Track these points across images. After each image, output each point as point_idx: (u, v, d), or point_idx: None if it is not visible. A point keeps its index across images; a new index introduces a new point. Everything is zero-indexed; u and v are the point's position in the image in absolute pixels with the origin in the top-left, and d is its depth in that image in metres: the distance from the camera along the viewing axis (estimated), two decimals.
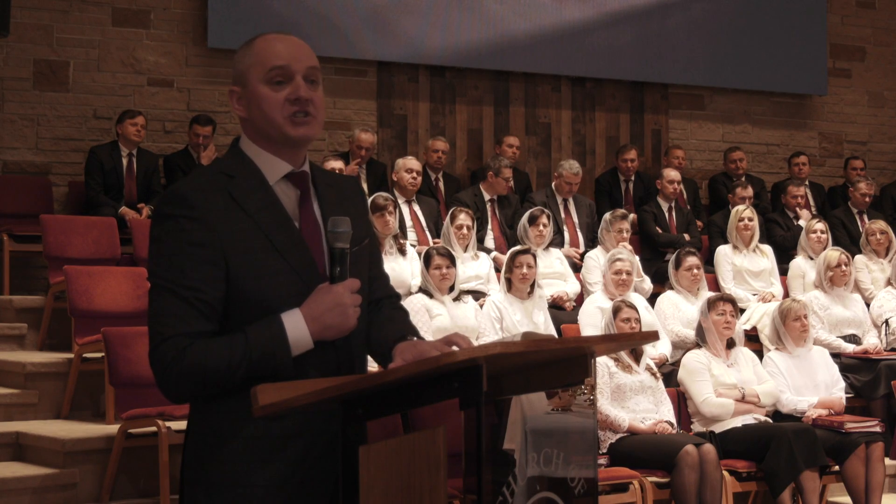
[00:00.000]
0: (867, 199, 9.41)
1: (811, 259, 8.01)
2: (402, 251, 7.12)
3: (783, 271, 8.23)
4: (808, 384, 6.38)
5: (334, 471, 2.23)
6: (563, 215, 8.53)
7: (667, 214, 8.97)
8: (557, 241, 8.18)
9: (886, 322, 7.54)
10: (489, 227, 8.32)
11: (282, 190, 2.31)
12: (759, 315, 7.48)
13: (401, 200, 7.90)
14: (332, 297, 2.21)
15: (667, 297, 7.25)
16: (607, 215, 7.90)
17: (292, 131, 2.28)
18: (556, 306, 7.25)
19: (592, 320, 6.78)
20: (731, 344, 6.28)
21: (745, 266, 8.05)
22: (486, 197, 8.41)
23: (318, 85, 2.33)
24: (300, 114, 2.28)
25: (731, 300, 6.34)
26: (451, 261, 6.49)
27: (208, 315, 2.19)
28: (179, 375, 2.17)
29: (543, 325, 6.70)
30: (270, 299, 2.21)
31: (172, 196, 2.25)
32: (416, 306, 6.21)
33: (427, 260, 6.46)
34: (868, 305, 7.70)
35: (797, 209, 9.29)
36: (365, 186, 8.65)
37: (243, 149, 2.34)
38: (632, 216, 8.56)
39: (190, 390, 2.20)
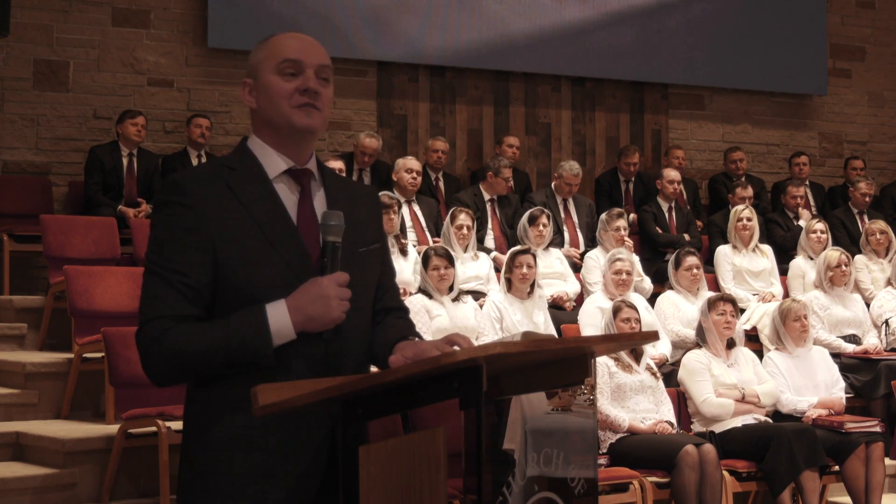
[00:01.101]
0: (867, 199, 9.41)
1: (811, 259, 8.01)
2: (404, 252, 7.11)
3: (783, 271, 8.23)
4: (808, 384, 6.38)
5: (320, 465, 2.25)
6: (562, 215, 8.53)
7: (667, 214, 8.97)
8: (557, 241, 8.17)
9: (886, 322, 7.54)
10: (489, 227, 8.32)
11: (282, 185, 2.35)
12: (759, 315, 7.48)
13: (401, 200, 7.89)
14: (316, 289, 2.22)
15: (667, 297, 7.25)
16: (604, 215, 7.90)
17: (298, 121, 2.32)
18: (556, 306, 7.24)
19: (592, 320, 6.78)
20: (731, 344, 6.28)
21: (745, 266, 8.05)
22: (486, 197, 8.41)
23: (328, 83, 2.38)
24: (308, 105, 2.33)
25: (732, 300, 6.34)
26: (450, 261, 6.49)
27: (192, 299, 2.23)
28: (159, 356, 2.21)
29: (543, 325, 6.69)
30: (258, 289, 2.24)
31: (169, 184, 2.31)
32: (415, 307, 6.21)
33: (425, 260, 6.46)
34: (868, 305, 7.69)
35: (797, 209, 9.29)
36: None
37: (249, 146, 2.39)
38: (632, 216, 8.56)
39: (170, 372, 2.24)
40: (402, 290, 6.69)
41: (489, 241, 8.25)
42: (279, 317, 2.21)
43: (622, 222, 7.79)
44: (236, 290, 2.24)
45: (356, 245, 2.36)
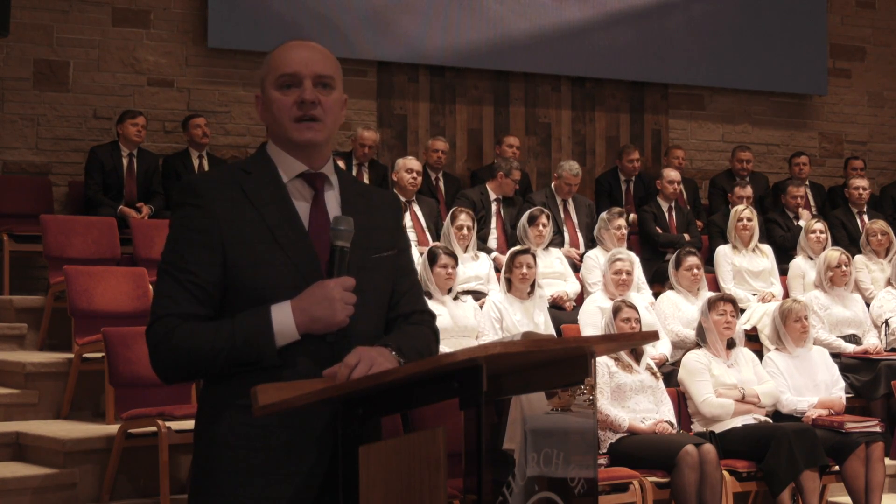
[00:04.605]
0: (861, 193, 9.37)
1: (811, 259, 8.01)
2: None
3: (783, 271, 8.23)
4: (808, 384, 6.38)
5: (324, 464, 2.25)
6: (562, 215, 8.53)
7: (667, 214, 8.97)
8: (557, 241, 8.17)
9: (886, 322, 7.54)
10: (492, 226, 8.33)
11: (296, 188, 2.38)
12: (759, 315, 7.48)
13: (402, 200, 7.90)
14: (321, 291, 2.25)
15: (667, 297, 7.25)
16: (604, 214, 7.90)
17: (297, 136, 2.36)
18: (556, 306, 7.24)
19: (592, 320, 6.78)
20: (731, 344, 6.28)
21: (745, 266, 8.05)
22: (493, 196, 8.42)
23: (331, 90, 2.38)
24: (305, 118, 2.34)
25: (732, 300, 6.34)
26: (456, 261, 6.51)
27: (201, 298, 2.26)
28: (166, 353, 2.26)
29: (543, 325, 6.69)
30: (265, 289, 2.26)
31: (183, 185, 2.36)
32: None
33: (433, 258, 6.44)
34: (868, 305, 7.69)
35: (797, 209, 9.29)
36: None
37: (267, 151, 2.43)
38: (632, 216, 8.55)
39: (177, 370, 2.28)
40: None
41: (492, 241, 8.25)
42: (283, 317, 2.23)
43: (622, 221, 7.80)
44: (244, 290, 2.27)
45: (369, 252, 2.37)
